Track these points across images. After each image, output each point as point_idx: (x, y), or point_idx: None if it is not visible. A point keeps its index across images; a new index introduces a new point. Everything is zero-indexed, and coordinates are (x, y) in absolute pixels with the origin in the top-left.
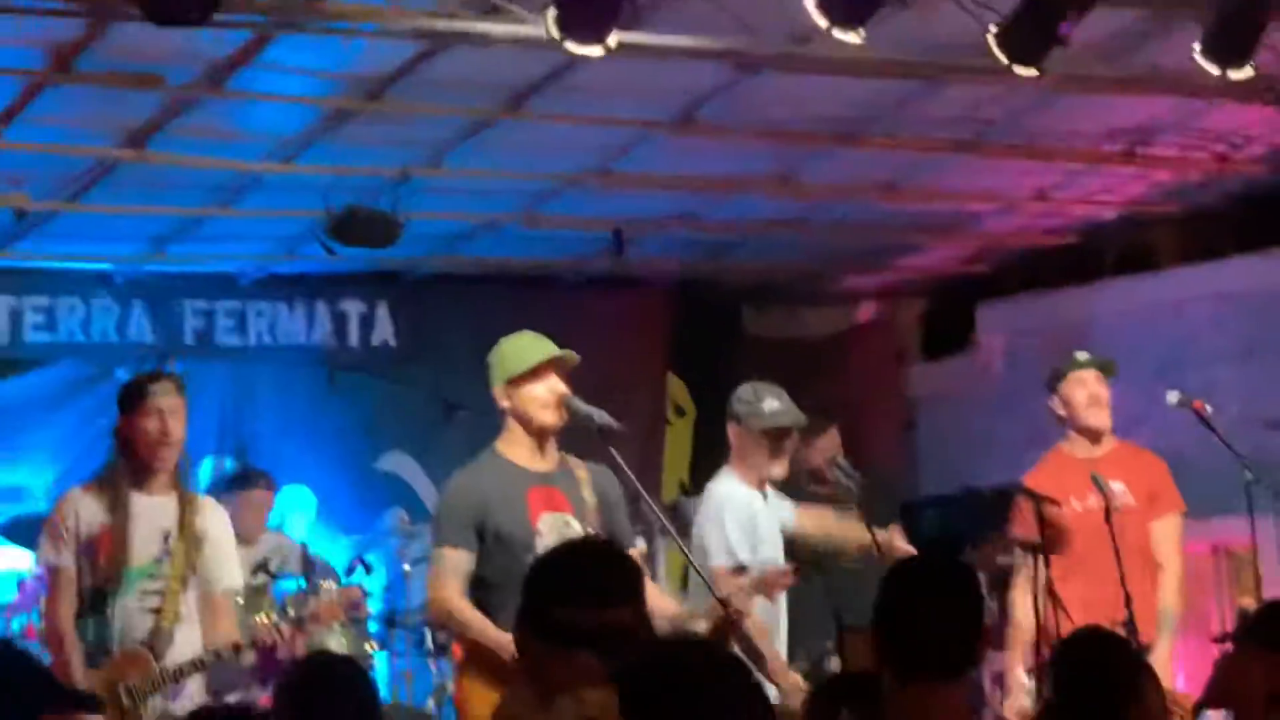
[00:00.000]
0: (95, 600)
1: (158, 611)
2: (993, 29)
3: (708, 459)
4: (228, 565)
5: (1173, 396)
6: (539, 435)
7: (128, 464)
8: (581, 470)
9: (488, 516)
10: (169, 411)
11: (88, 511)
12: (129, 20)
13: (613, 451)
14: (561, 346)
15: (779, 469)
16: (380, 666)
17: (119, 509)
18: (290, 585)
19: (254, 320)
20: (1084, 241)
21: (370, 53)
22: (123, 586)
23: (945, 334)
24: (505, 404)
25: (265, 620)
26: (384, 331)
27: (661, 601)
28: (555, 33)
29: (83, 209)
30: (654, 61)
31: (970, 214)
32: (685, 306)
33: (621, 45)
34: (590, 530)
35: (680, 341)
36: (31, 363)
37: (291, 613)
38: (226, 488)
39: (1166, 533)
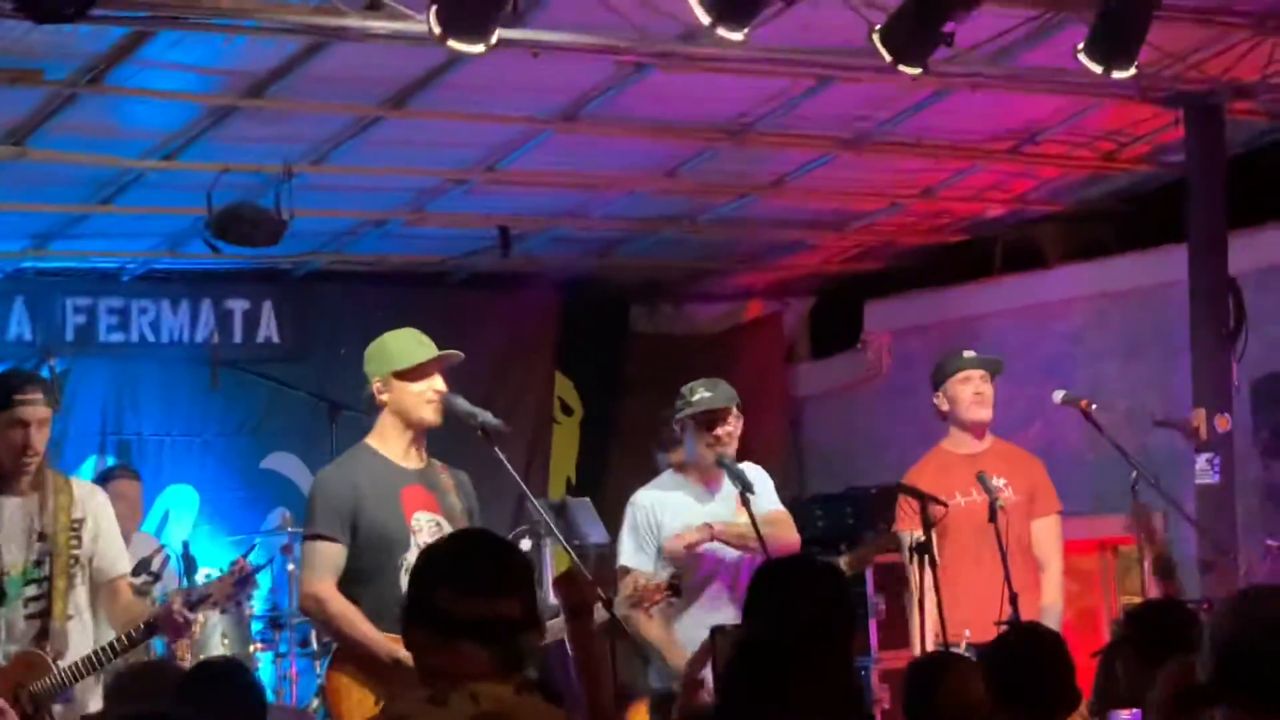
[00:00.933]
0: None
1: (44, 615)
2: (877, 27)
3: (595, 458)
4: (115, 550)
5: (1059, 395)
6: (415, 432)
7: None
8: (446, 475)
9: (360, 511)
10: (35, 423)
11: None
12: (5, 16)
13: (497, 451)
14: (448, 345)
15: (710, 454)
16: (265, 667)
17: None
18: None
19: (137, 317)
20: (971, 239)
21: (252, 49)
22: (6, 596)
23: (833, 332)
24: (384, 397)
25: (172, 601)
26: (268, 329)
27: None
28: (437, 29)
29: None
30: (539, 58)
31: (858, 212)
32: (573, 305)
33: (503, 42)
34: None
35: (568, 340)
36: None
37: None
38: (100, 483)
39: (1047, 532)
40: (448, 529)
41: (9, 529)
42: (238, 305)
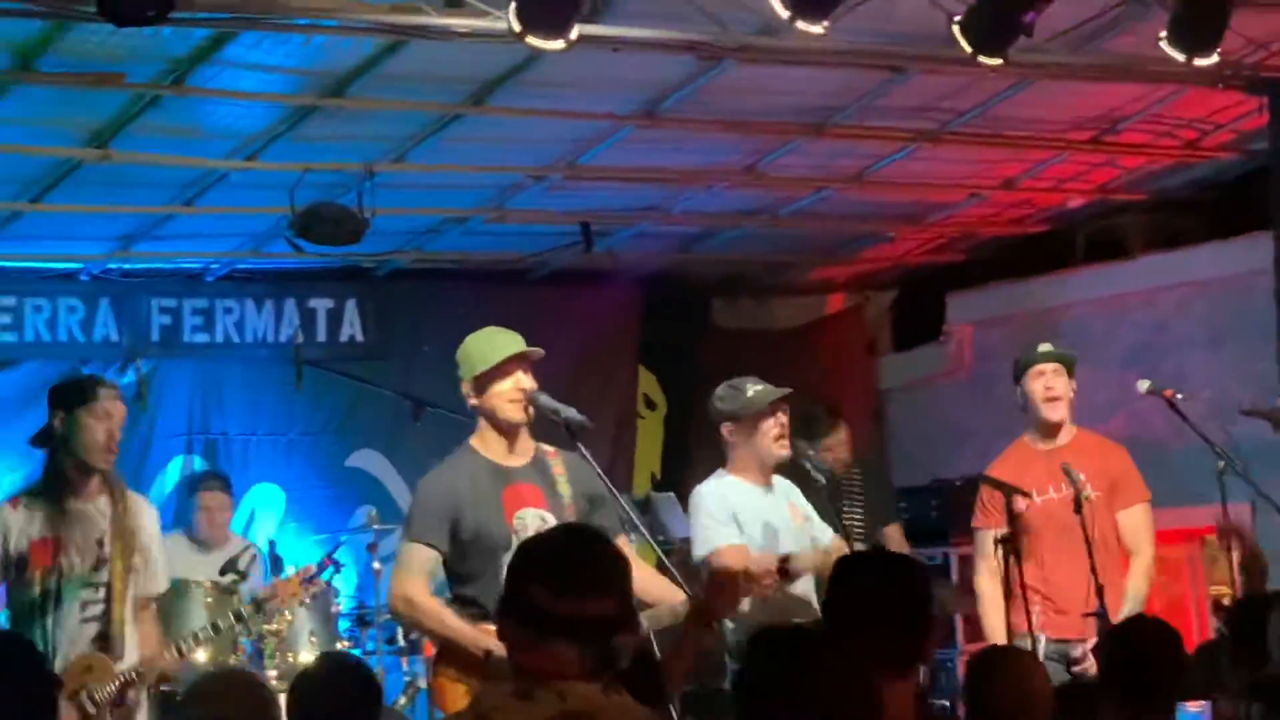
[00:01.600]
0: (30, 612)
1: (101, 619)
2: (956, 18)
3: (679, 452)
4: (157, 568)
5: (1143, 384)
6: (508, 431)
7: (64, 466)
8: (558, 462)
9: (462, 514)
10: (118, 418)
11: (19, 526)
12: (89, 20)
13: (580, 447)
14: (531, 342)
15: (781, 448)
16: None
17: (55, 520)
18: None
19: (221, 317)
20: (1053, 229)
21: (332, 48)
22: (63, 599)
23: (915, 324)
24: (473, 401)
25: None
26: (352, 328)
27: (664, 589)
28: (516, 26)
29: (48, 209)
30: (619, 54)
31: (938, 203)
32: (655, 300)
33: (583, 38)
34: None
35: (650, 335)
36: None
37: (262, 610)
38: (188, 490)
39: (1136, 522)
40: (553, 523)
41: (75, 533)
42: (321, 304)
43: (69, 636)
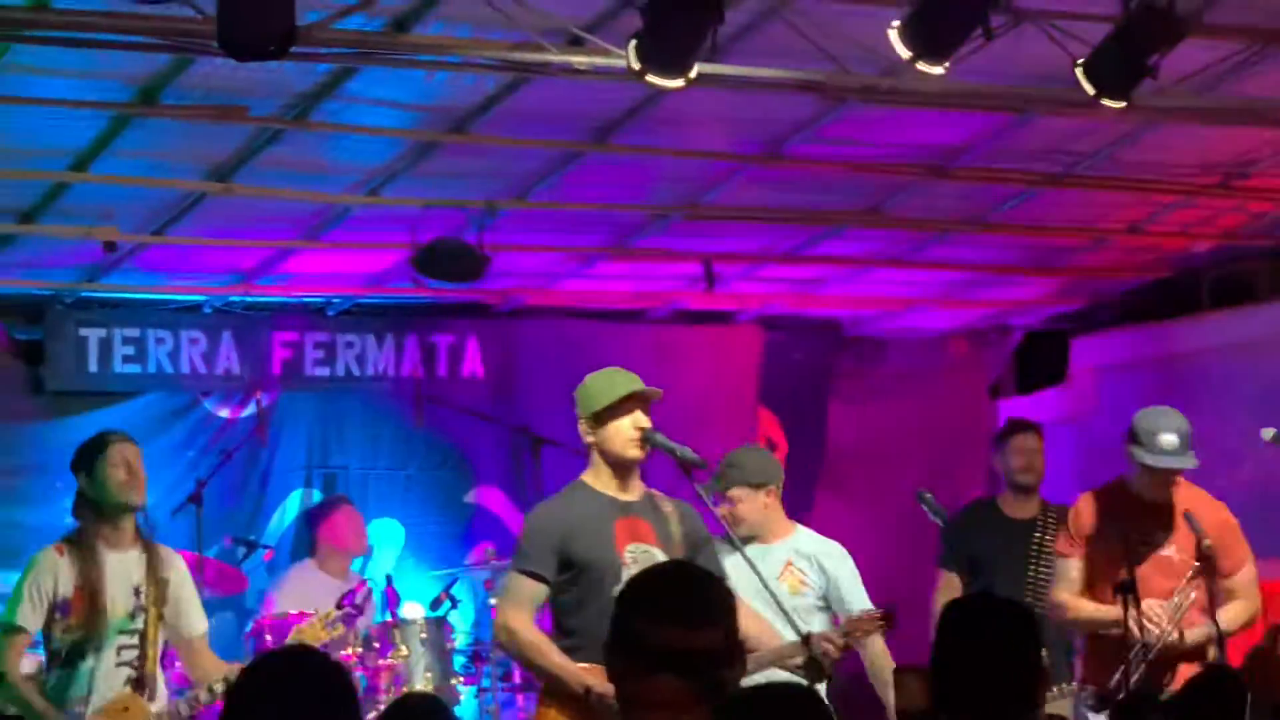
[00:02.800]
0: (72, 655)
1: (135, 663)
2: (1079, 61)
3: (800, 493)
4: (195, 611)
5: (1268, 433)
6: (622, 469)
7: (95, 522)
8: (667, 505)
9: (572, 545)
10: (134, 457)
11: (64, 571)
12: (212, 54)
13: (697, 487)
14: (651, 381)
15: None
16: (467, 701)
17: (92, 568)
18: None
19: (343, 352)
20: (1179, 275)
21: (454, 85)
22: (103, 643)
23: (1039, 367)
24: (590, 439)
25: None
26: (473, 364)
27: (763, 631)
28: (636, 64)
29: (171, 241)
30: (742, 93)
31: (1062, 247)
32: (776, 340)
33: (702, 77)
34: None
35: (771, 375)
36: (121, 395)
37: (377, 645)
38: (310, 522)
39: (1245, 583)
40: (661, 559)
41: (114, 581)
42: (442, 340)
43: (106, 680)
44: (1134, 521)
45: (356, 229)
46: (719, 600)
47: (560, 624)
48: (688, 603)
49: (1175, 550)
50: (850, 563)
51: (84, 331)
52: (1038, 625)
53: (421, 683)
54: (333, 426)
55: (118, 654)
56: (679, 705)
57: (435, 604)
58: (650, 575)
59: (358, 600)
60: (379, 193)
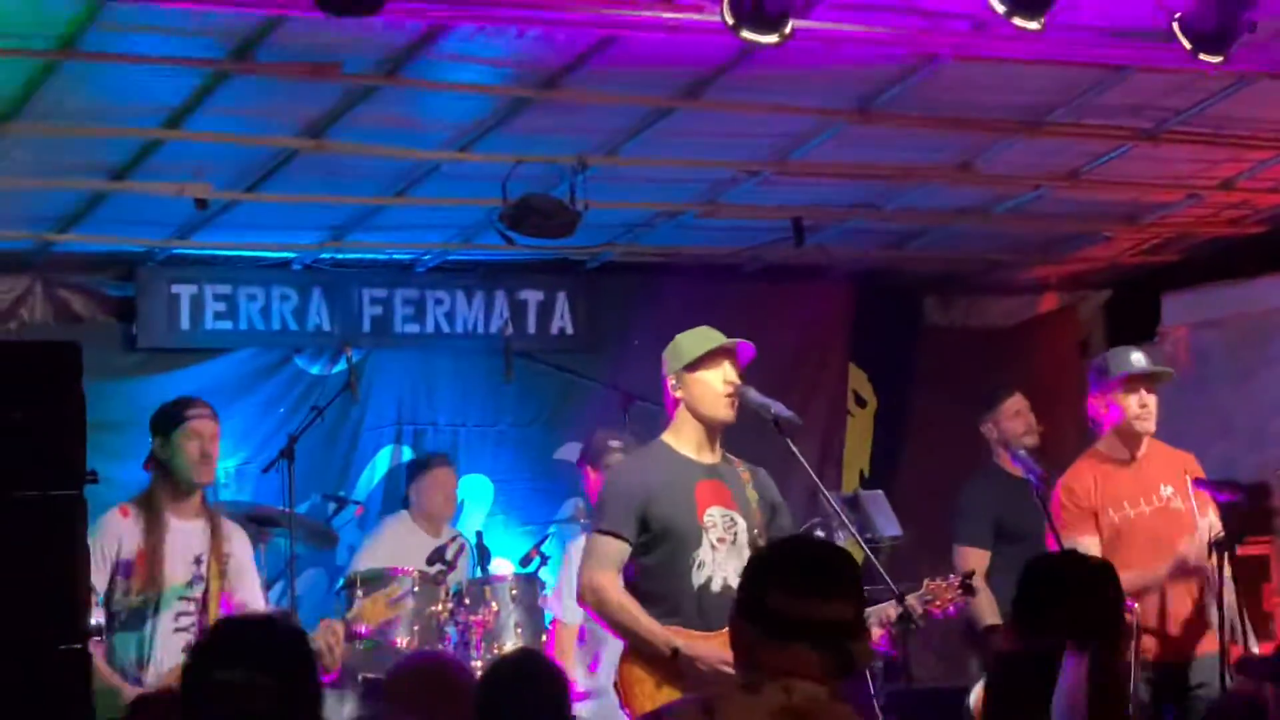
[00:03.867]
0: (132, 619)
1: (191, 630)
2: (1177, 15)
3: (888, 450)
4: (253, 590)
5: None
6: (709, 427)
7: (165, 487)
8: (743, 469)
9: (652, 506)
10: (209, 436)
11: (128, 534)
12: (306, 11)
13: (789, 443)
14: (743, 337)
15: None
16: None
17: (156, 531)
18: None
19: (432, 308)
20: (1272, 230)
21: (546, 41)
22: (162, 605)
23: (1130, 324)
24: (678, 394)
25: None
26: (562, 320)
27: None
28: (731, 20)
29: (263, 198)
30: (833, 48)
31: (1155, 203)
32: (866, 297)
33: (797, 33)
34: (754, 529)
35: (861, 332)
36: (213, 351)
37: (468, 601)
38: (408, 476)
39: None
40: (741, 524)
41: (176, 547)
42: (532, 296)
43: (164, 643)
44: (1125, 484)
45: (447, 185)
46: (849, 573)
47: (640, 586)
48: (821, 575)
49: (1176, 497)
50: None
51: (176, 288)
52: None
53: (512, 639)
54: (422, 383)
55: (175, 619)
56: (808, 674)
57: (525, 560)
58: (782, 547)
59: (448, 555)
60: (470, 149)
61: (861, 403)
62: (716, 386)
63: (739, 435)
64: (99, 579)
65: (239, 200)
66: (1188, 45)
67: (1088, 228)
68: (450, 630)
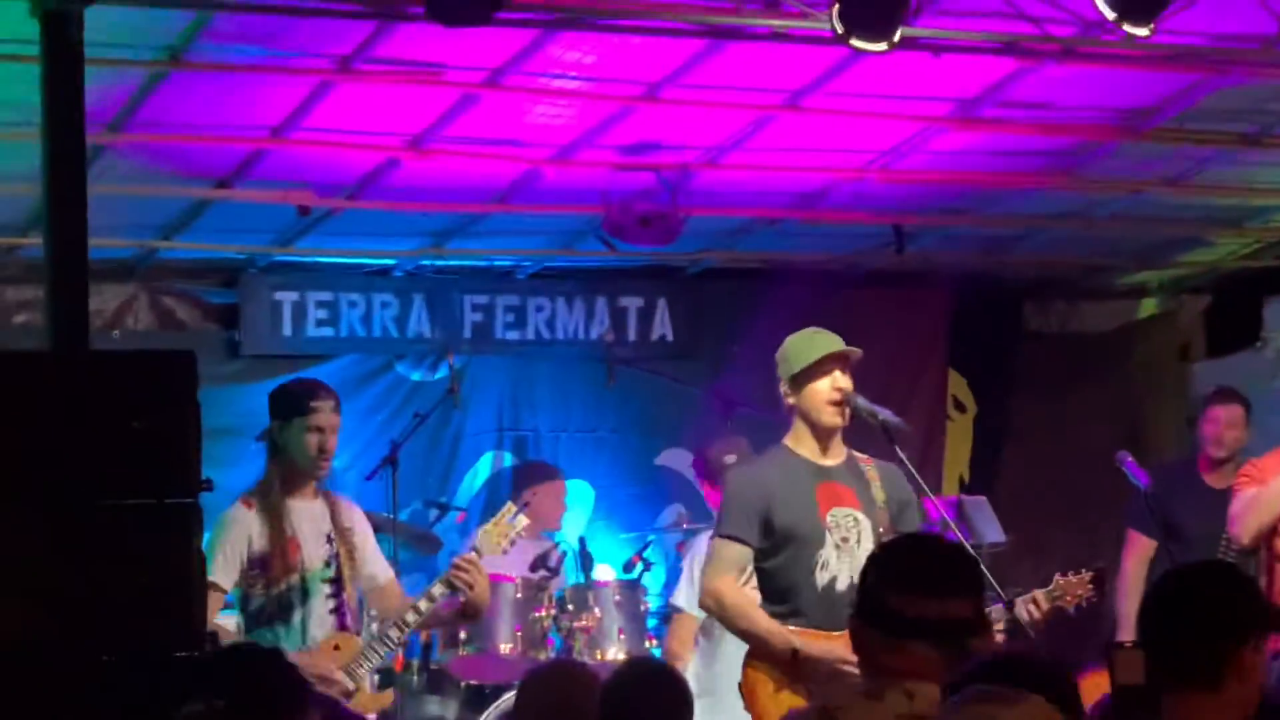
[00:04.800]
0: (279, 609)
1: (337, 610)
2: None
3: (988, 455)
4: (380, 559)
5: None
6: (823, 432)
7: (281, 471)
8: (870, 468)
9: (774, 510)
10: (329, 430)
11: (255, 529)
12: (413, 20)
13: (897, 450)
14: (845, 342)
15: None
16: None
17: (281, 519)
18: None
19: (533, 315)
20: None
21: (649, 49)
22: (309, 593)
23: (1231, 329)
24: (790, 400)
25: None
26: (662, 326)
27: None
28: (840, 28)
29: (364, 206)
30: (934, 55)
31: (1258, 208)
32: (965, 302)
33: (905, 39)
34: (880, 528)
35: (961, 337)
36: (314, 358)
37: (571, 607)
38: (514, 482)
39: None
40: (866, 524)
41: (306, 530)
42: (632, 303)
43: (320, 628)
44: None
45: (548, 192)
46: (968, 571)
47: (765, 589)
48: (939, 574)
49: None
50: None
51: (278, 295)
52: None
53: (615, 645)
54: (523, 389)
55: (325, 601)
56: (929, 673)
57: (628, 567)
58: (897, 547)
59: (551, 562)
60: (571, 156)
61: (961, 408)
62: (825, 393)
63: (846, 439)
64: (227, 578)
65: (341, 208)
66: None
67: (1189, 232)
68: (554, 636)
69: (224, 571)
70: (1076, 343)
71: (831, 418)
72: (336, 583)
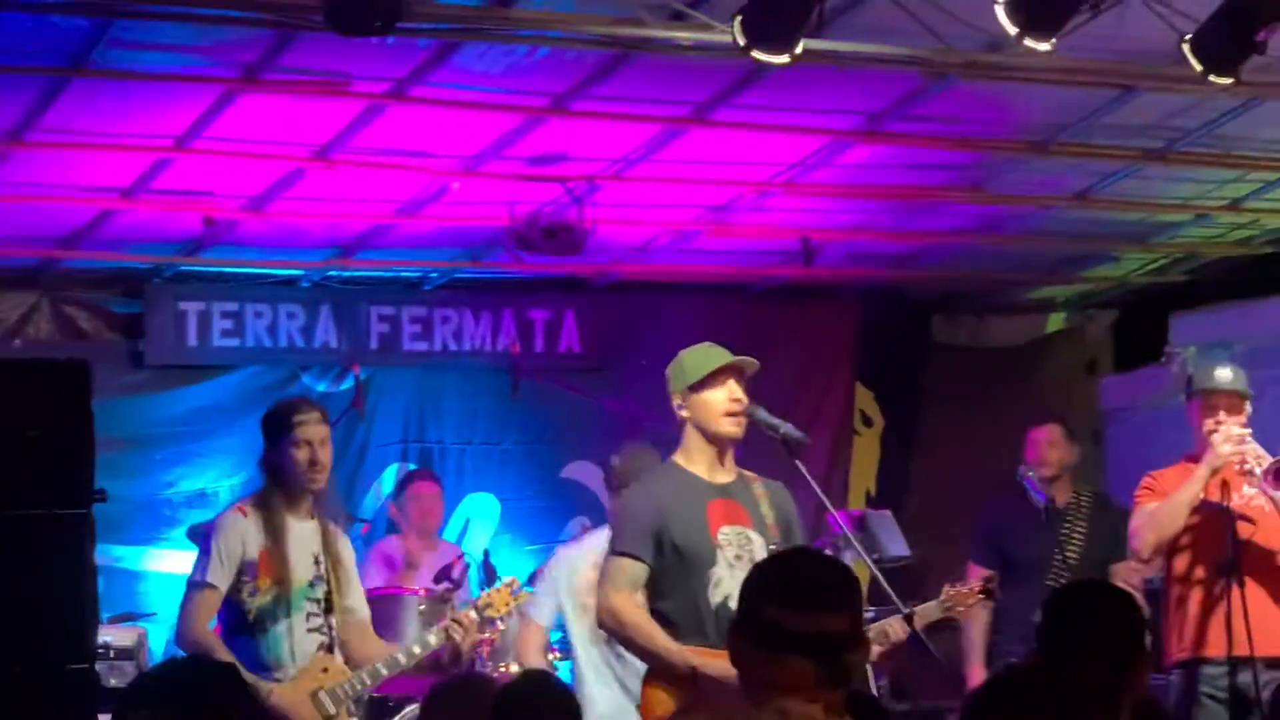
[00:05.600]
0: (261, 619)
1: (324, 630)
2: (1187, 36)
3: (895, 469)
4: (361, 596)
5: None
6: (718, 445)
7: (277, 489)
8: (759, 486)
9: (667, 527)
10: (318, 442)
11: (250, 534)
12: (316, 29)
13: (798, 464)
14: (750, 356)
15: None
16: (562, 675)
17: (278, 532)
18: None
19: (439, 326)
20: None
21: (556, 61)
22: (292, 607)
23: (1138, 344)
24: (684, 413)
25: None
26: (569, 339)
27: None
28: (742, 40)
29: (271, 216)
30: (842, 68)
31: (1163, 223)
32: (873, 315)
33: (807, 52)
34: (771, 546)
35: (868, 351)
36: (220, 369)
37: (474, 615)
38: (400, 488)
39: None
40: (757, 542)
41: (296, 547)
42: (539, 315)
43: (300, 645)
44: None
45: (455, 204)
46: (846, 585)
47: (658, 607)
48: (818, 587)
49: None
50: None
51: (183, 305)
52: (1140, 613)
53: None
54: (429, 401)
55: (307, 619)
56: (806, 687)
57: (532, 579)
58: (778, 560)
59: (454, 575)
60: (478, 168)
61: (868, 422)
62: (721, 404)
63: (746, 453)
64: (223, 578)
65: (247, 218)
66: (1198, 66)
67: (1096, 247)
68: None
69: (220, 572)
70: (984, 357)
71: (729, 428)
72: (323, 603)
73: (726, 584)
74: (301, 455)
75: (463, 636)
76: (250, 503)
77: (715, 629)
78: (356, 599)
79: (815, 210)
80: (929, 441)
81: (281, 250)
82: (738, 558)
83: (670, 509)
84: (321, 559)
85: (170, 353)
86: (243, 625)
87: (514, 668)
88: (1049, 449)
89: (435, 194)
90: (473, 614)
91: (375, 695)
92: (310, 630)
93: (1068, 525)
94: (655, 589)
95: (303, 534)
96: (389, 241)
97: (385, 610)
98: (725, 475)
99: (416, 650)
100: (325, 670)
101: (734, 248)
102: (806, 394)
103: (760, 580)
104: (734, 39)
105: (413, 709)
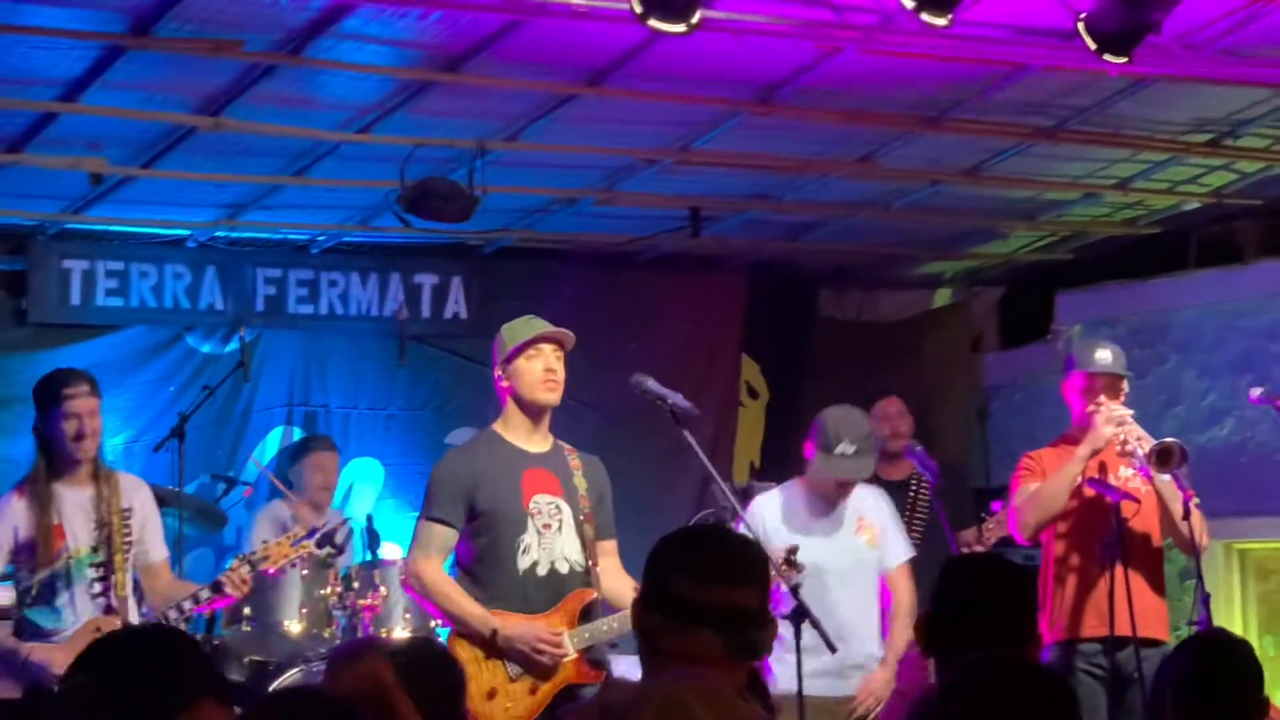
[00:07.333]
0: (43, 592)
1: (105, 594)
2: (1082, 15)
3: (779, 442)
4: (157, 539)
5: (1256, 391)
6: (535, 415)
7: (49, 460)
8: (574, 458)
9: (478, 494)
10: (86, 414)
11: (21, 516)
12: None
13: (686, 434)
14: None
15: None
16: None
17: (47, 506)
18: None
19: (326, 290)
20: (1167, 232)
21: (449, 24)
22: (73, 579)
23: (1023, 322)
24: (504, 383)
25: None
26: (457, 305)
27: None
28: (639, 7)
29: (158, 175)
30: (736, 38)
31: (1052, 201)
32: (761, 288)
33: (704, 21)
34: (580, 516)
35: (755, 323)
36: (103, 328)
37: (356, 585)
38: (291, 457)
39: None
40: (567, 511)
41: (72, 515)
42: (426, 280)
43: (81, 613)
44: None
45: (345, 167)
46: (756, 561)
47: (468, 570)
48: (728, 562)
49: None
50: None
51: (67, 263)
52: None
53: (400, 624)
54: (315, 364)
55: (90, 586)
56: (713, 660)
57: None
58: (691, 534)
59: (338, 540)
60: (369, 131)
61: (754, 394)
62: (536, 373)
63: (633, 422)
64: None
65: (134, 176)
66: (1093, 45)
67: (984, 224)
68: (338, 615)
69: None
70: (871, 331)
71: (545, 394)
72: (104, 566)
73: (534, 550)
74: (69, 427)
75: (235, 589)
76: (26, 482)
77: (522, 594)
78: (151, 543)
79: (705, 180)
80: (813, 414)
81: (168, 209)
82: (546, 526)
83: (484, 475)
84: (105, 522)
85: (54, 311)
86: (24, 598)
87: (396, 633)
88: (900, 420)
89: (324, 156)
90: (245, 567)
91: (255, 659)
92: (93, 596)
93: (910, 497)
94: (470, 554)
95: (80, 501)
96: (277, 203)
97: (271, 575)
98: (541, 445)
99: (187, 606)
100: (98, 630)
101: (623, 216)
102: (694, 364)
103: (673, 552)
104: (631, 6)
105: (293, 673)
